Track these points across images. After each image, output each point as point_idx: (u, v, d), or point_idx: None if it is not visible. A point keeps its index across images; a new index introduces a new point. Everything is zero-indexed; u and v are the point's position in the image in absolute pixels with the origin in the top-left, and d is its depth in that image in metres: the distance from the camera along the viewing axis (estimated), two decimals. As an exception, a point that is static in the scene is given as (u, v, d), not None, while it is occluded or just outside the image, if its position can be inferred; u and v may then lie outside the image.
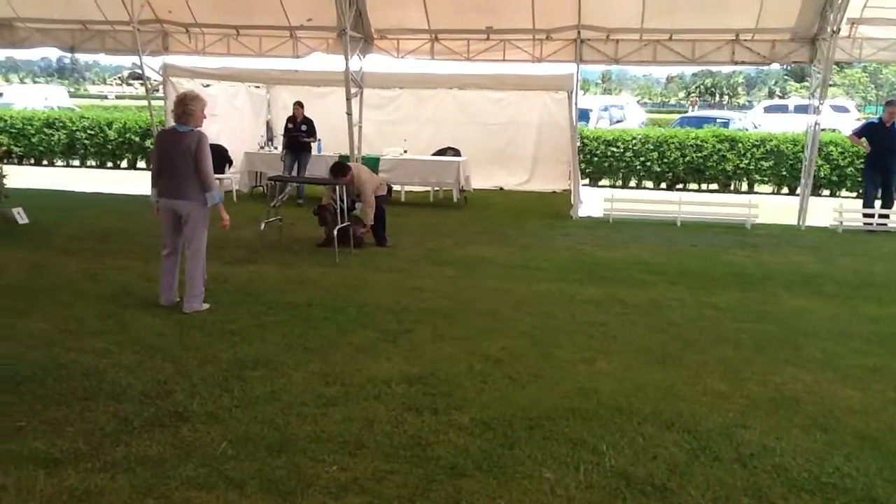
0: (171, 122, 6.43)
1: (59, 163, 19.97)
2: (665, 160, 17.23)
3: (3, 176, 9.66)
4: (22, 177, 13.83)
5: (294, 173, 12.77)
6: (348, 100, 11.54)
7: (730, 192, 17.01)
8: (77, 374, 4.85)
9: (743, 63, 11.96)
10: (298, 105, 13.30)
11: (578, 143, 13.56)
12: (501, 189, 15.62)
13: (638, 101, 45.44)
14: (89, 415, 4.27)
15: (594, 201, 13.17)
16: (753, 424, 4.34)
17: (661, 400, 4.67)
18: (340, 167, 9.24)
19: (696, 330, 6.18)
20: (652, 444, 4.06)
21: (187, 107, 6.22)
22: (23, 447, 3.86)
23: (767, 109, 32.60)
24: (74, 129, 19.40)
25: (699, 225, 11.62)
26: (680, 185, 17.42)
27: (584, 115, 19.62)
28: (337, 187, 8.75)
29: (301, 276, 7.73)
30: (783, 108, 31.61)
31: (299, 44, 12.88)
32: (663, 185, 17.58)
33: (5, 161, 12.39)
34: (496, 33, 12.11)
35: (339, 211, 8.75)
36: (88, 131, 19.34)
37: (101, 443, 3.94)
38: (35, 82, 70.91)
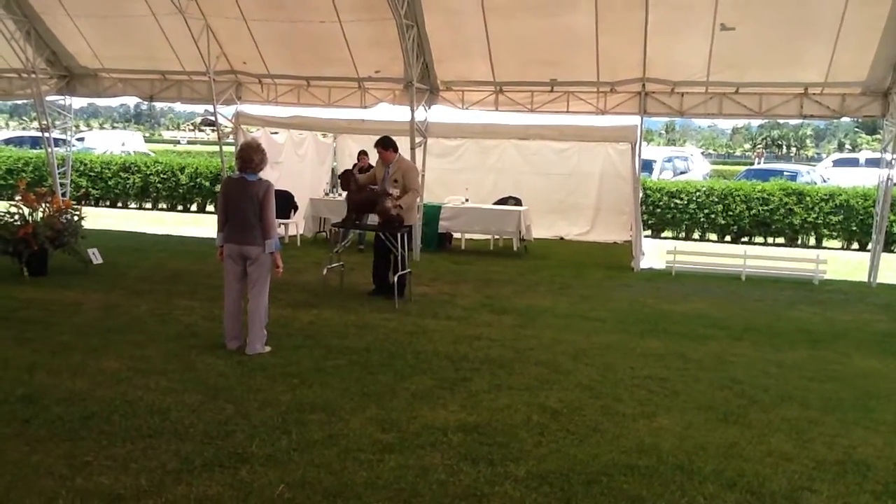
0: (237, 169, 6.64)
1: (133, 205, 20.72)
2: (730, 213, 16.99)
3: (82, 217, 10.05)
4: (98, 218, 14.40)
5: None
6: (412, 149, 11.74)
7: (797, 246, 16.63)
8: (142, 412, 4.98)
9: (812, 117, 11.78)
10: (363, 154, 13.58)
11: (641, 195, 13.48)
12: (562, 239, 15.60)
13: (702, 153, 44.97)
14: (153, 452, 4.37)
15: (656, 253, 13.04)
16: (820, 488, 4.20)
17: (723, 459, 4.55)
18: (388, 140, 9.18)
19: (761, 388, 6.03)
20: (713, 505, 3.96)
21: (253, 157, 6.43)
22: (89, 482, 3.97)
23: (837, 163, 31.86)
24: (148, 173, 20.17)
25: (765, 279, 11.37)
26: (745, 239, 17.12)
27: (647, 165, 19.53)
28: (394, 234, 8.82)
29: (361, 321, 7.81)
30: (853, 162, 30.84)
31: (367, 94, 13.21)
32: (728, 238, 17.30)
33: (83, 203, 12.94)
34: (560, 85, 12.22)
35: (397, 259, 8.82)
36: (161, 175, 20.07)
37: (162, 481, 4.02)
38: (114, 127, 74.02)
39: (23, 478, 3.99)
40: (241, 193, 6.41)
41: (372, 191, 9.01)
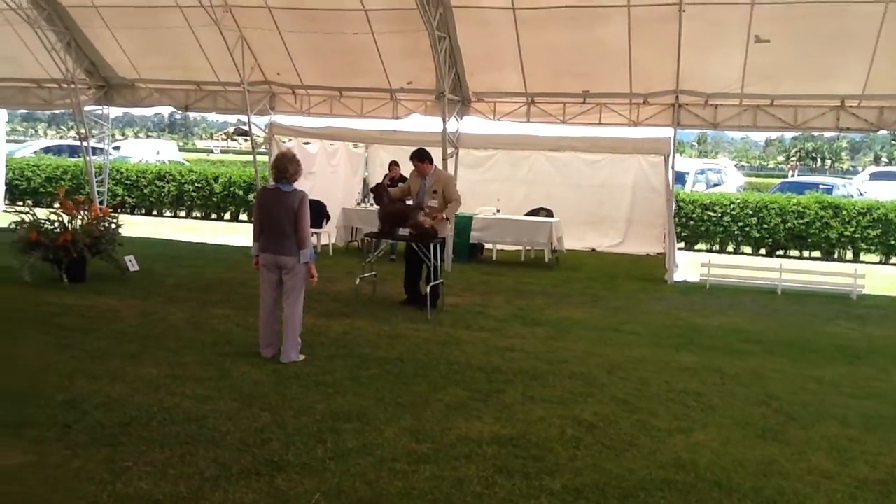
0: (272, 180, 6.71)
1: (168, 213, 20.98)
2: (765, 226, 16.78)
3: (120, 225, 10.20)
4: (134, 226, 14.60)
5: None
6: (444, 160, 11.77)
7: (833, 260, 16.37)
8: (180, 419, 5.03)
9: (848, 130, 11.62)
10: (394, 164, 13.66)
11: (674, 207, 13.37)
12: (594, 250, 15.52)
13: (735, 165, 44.53)
14: (190, 459, 4.41)
15: (690, 266, 12.92)
16: (863, 508, 4.13)
17: (762, 476, 4.49)
18: (424, 153, 9.23)
19: (799, 404, 5.94)
20: (753, 523, 3.91)
21: (288, 168, 6.49)
22: (129, 487, 4.02)
23: (874, 176, 31.36)
24: (183, 181, 20.42)
25: (801, 294, 11.21)
26: (780, 252, 16.90)
27: (680, 178, 19.36)
28: (427, 245, 8.84)
29: (393, 331, 7.83)
30: (891, 175, 30.33)
31: (399, 105, 13.28)
32: (762, 251, 17.09)
33: (120, 211, 13.15)
34: (592, 97, 12.19)
35: (430, 270, 8.84)
36: (196, 184, 20.31)
37: (200, 487, 4.06)
38: (148, 136, 75.13)
39: (64, 482, 4.06)
40: (277, 204, 6.47)
41: (404, 204, 9.08)
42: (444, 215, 9.11)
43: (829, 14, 10.16)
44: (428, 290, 8.75)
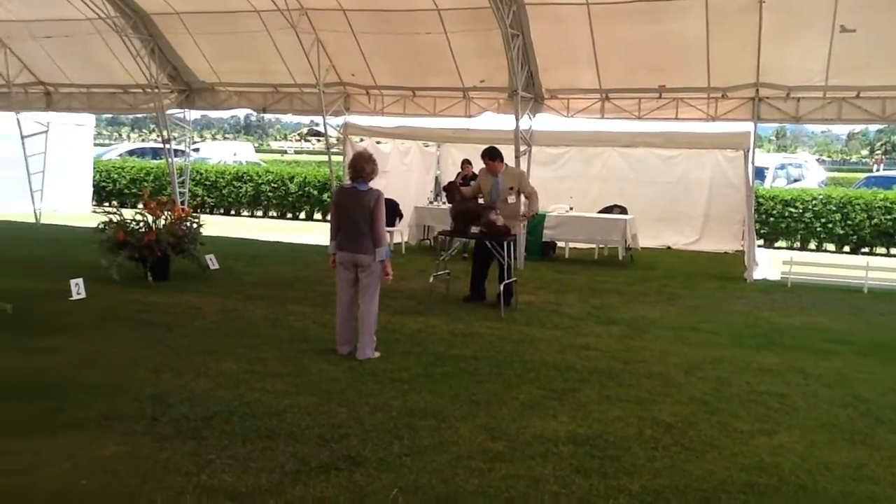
0: (348, 179, 6.80)
1: (245, 213, 21.51)
2: (849, 222, 16.18)
3: (201, 225, 10.51)
4: (213, 225, 15.01)
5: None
6: (517, 157, 11.73)
7: (923, 257, 15.68)
8: (260, 413, 5.15)
9: (941, 121, 11.10)
10: (467, 162, 13.69)
11: (754, 203, 13.00)
12: (669, 248, 15.25)
13: (816, 159, 43.02)
14: (271, 453, 4.51)
15: (770, 264, 12.56)
16: (961, 517, 3.94)
17: (850, 481, 4.34)
18: (495, 151, 9.28)
19: (889, 407, 5.71)
20: (841, 529, 3.78)
21: (365, 167, 6.58)
22: (213, 479, 4.15)
23: (966, 169, 29.90)
24: (260, 182, 20.90)
25: (889, 292, 10.76)
26: (865, 250, 16.26)
27: (759, 173, 18.81)
28: (500, 243, 8.83)
29: (467, 329, 7.85)
30: None
31: (471, 104, 13.28)
32: (846, 248, 16.48)
33: (200, 211, 13.56)
34: (669, 92, 11.95)
35: (503, 267, 8.83)
36: (272, 184, 20.77)
37: (281, 481, 4.15)
38: (225, 138, 77.07)
39: (153, 473, 4.21)
40: (353, 203, 6.57)
41: (477, 203, 9.11)
42: (530, 212, 9.31)
43: (918, 0, 9.76)
44: (501, 288, 8.75)
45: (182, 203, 14.61)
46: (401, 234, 14.05)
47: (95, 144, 24.43)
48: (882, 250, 16.26)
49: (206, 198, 20.88)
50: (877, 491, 4.22)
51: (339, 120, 14.25)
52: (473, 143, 14.49)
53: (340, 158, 14.28)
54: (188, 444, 4.59)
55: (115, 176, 22.07)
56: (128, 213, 10.37)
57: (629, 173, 15.56)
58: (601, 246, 13.92)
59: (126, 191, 21.76)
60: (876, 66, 10.58)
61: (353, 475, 4.24)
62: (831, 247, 16.68)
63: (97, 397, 5.37)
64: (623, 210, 14.05)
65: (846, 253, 16.22)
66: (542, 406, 5.49)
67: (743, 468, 4.47)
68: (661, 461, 4.55)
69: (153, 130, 66.07)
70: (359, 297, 6.70)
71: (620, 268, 12.76)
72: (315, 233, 16.46)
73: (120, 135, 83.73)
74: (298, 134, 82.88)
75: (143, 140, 61.56)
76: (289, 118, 76.66)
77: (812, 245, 16.87)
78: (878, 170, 46.25)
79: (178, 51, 14.51)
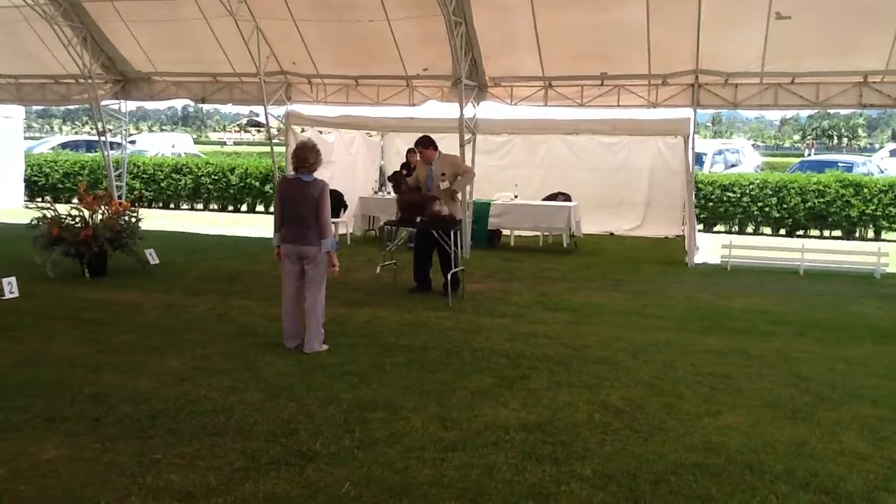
0: (292, 170, 6.69)
1: (185, 206, 21.07)
2: (785, 206, 16.61)
3: (140, 219, 10.25)
4: (152, 219, 14.65)
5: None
6: (462, 146, 11.72)
7: (854, 239, 16.20)
8: (207, 411, 5.05)
9: (872, 106, 11.40)
10: (412, 152, 13.56)
11: (694, 189, 13.25)
12: (612, 234, 15.44)
13: (752, 145, 44.07)
14: (219, 450, 4.42)
15: (710, 248, 12.82)
16: (899, 489, 4.07)
17: (794, 458, 4.45)
18: (428, 139, 9.29)
19: (828, 385, 5.87)
20: (787, 506, 3.87)
21: (309, 157, 6.47)
22: (159, 479, 4.04)
23: (894, 153, 31.01)
24: (200, 174, 20.47)
25: (824, 273, 11.10)
26: (800, 232, 16.73)
27: (698, 159, 19.20)
28: (447, 232, 8.83)
29: (416, 319, 7.82)
30: (912, 152, 29.97)
31: (415, 92, 13.21)
32: (782, 231, 16.93)
33: (138, 205, 13.18)
34: (611, 79, 12.06)
35: (450, 256, 8.82)
36: (212, 176, 20.36)
37: (230, 479, 4.07)
38: (162, 130, 75.44)
39: (96, 475, 4.08)
40: (298, 194, 6.46)
41: (422, 194, 9.06)
42: (455, 188, 9.16)
43: (851, -13, 10.02)
44: (448, 277, 8.73)
45: (119, 197, 14.24)
46: (346, 225, 13.92)
47: (25, 138, 23.57)
48: (816, 233, 16.74)
49: (144, 191, 20.36)
50: (818, 467, 4.33)
51: (281, 109, 14.03)
52: (418, 132, 14.43)
53: (283, 149, 14.07)
54: (132, 445, 4.47)
55: (48, 170, 21.37)
56: (62, 209, 10.05)
57: (572, 160, 15.71)
58: (546, 233, 14.02)
59: (60, 185, 21.10)
60: (810, 53, 10.84)
61: (305, 470, 4.18)
62: (768, 230, 17.11)
63: (35, 399, 5.19)
64: (567, 197, 14.17)
65: (782, 236, 16.66)
66: (493, 394, 5.50)
67: (691, 449, 4.55)
68: (612, 445, 4.60)
69: (87, 123, 64.39)
70: (305, 289, 6.60)
71: (565, 254, 12.88)
72: (258, 225, 16.22)
73: (51, 127, 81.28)
74: (238, 125, 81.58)
75: (76, 133, 59.89)
76: (228, 109, 75.25)
77: (749, 229, 17.28)
78: (809, 154, 47.70)
79: (112, 39, 14.08)
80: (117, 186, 15.02)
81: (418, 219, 8.88)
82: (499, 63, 12.36)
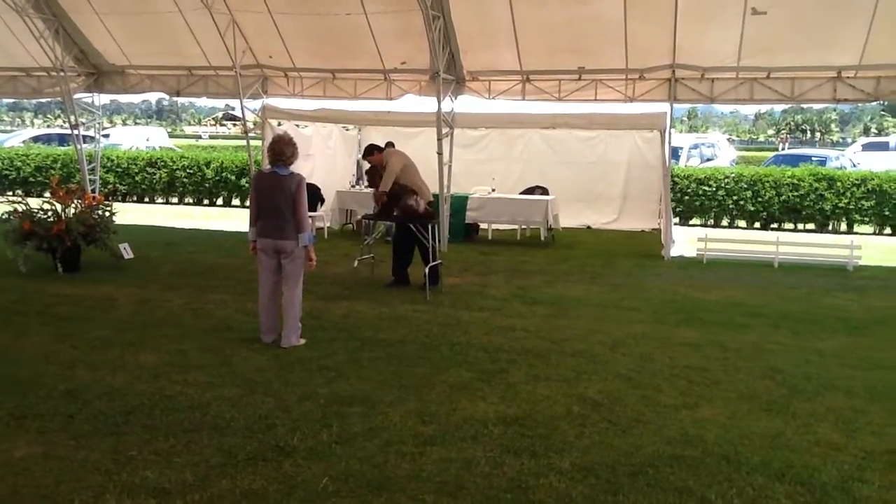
0: (268, 164, 6.63)
1: (160, 200, 20.85)
2: (759, 199, 16.76)
3: (114, 213, 10.12)
4: (126, 213, 14.49)
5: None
6: (439, 140, 11.70)
7: (827, 232, 16.40)
8: (183, 407, 5.00)
9: (845, 101, 11.53)
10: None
11: (670, 182, 13.33)
12: (589, 228, 15.50)
13: (727, 139, 44.44)
14: (195, 446, 4.38)
15: (686, 241, 12.91)
16: (872, 479, 4.12)
17: (769, 449, 4.49)
18: (368, 148, 9.37)
19: (803, 377, 5.93)
20: (763, 496, 3.91)
21: (285, 151, 6.42)
22: (135, 476, 3.99)
23: (866, 147, 31.35)
24: (175, 168, 20.26)
25: (798, 266, 11.20)
26: (774, 225, 16.90)
27: (674, 153, 19.33)
28: (425, 226, 8.81)
29: (394, 313, 7.80)
30: (883, 146, 30.31)
31: (393, 86, 13.16)
32: (757, 224, 17.09)
33: (112, 198, 13.01)
34: (588, 73, 12.10)
35: (427, 251, 8.80)
36: (188, 170, 20.16)
37: (207, 475, 4.03)
38: (136, 123, 74.61)
39: (70, 472, 4.02)
40: (274, 188, 6.41)
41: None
42: (382, 190, 9.01)
43: (826, -17, 10.13)
44: (427, 270, 8.72)
45: (93, 191, 14.05)
46: (323, 219, 13.85)
47: (-3, 131, 23.20)
48: (790, 226, 16.92)
49: (118, 185, 20.13)
50: (794, 458, 4.37)
51: (257, 103, 13.93)
52: (396, 126, 14.45)
53: (259, 143, 13.97)
54: (107, 442, 4.41)
55: (19, 164, 21.03)
56: (34, 203, 9.90)
57: (550, 154, 15.74)
58: (523, 227, 14.04)
59: (31, 179, 20.78)
60: (785, 48, 10.94)
61: (282, 465, 4.15)
62: (743, 223, 17.26)
63: (6, 395, 5.10)
64: (545, 191, 14.19)
65: (757, 229, 16.82)
66: (472, 388, 5.50)
67: (669, 441, 4.57)
68: (590, 438, 4.62)
69: (59, 116, 63.52)
70: (282, 284, 6.55)
71: (543, 248, 12.91)
72: (233, 219, 16.10)
73: (22, 120, 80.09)
74: (213, 118, 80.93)
75: (48, 126, 59.00)
76: (203, 102, 74.63)
77: (725, 222, 17.42)
78: (783, 148, 48.13)
79: (84, 32, 13.89)
80: (90, 180, 14.82)
81: (395, 212, 8.85)
82: (477, 57, 12.34)
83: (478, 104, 13.09)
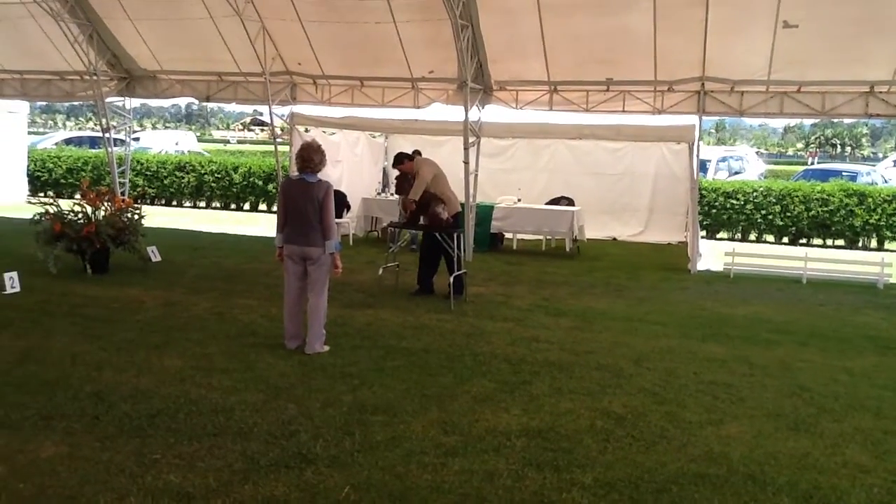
0: (296, 170, 6.67)
1: (187, 204, 21.06)
2: (788, 214, 16.60)
3: (142, 216, 10.23)
4: (154, 217, 14.65)
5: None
6: (466, 149, 11.71)
7: (857, 248, 16.18)
8: (207, 411, 5.02)
9: (878, 116, 11.39)
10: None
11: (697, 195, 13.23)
12: (615, 239, 15.43)
13: (756, 152, 44.06)
14: (218, 451, 4.40)
15: (712, 255, 12.79)
16: (902, 503, 4.05)
17: (796, 470, 4.42)
18: (398, 156, 9.27)
19: (831, 396, 5.84)
20: (789, 518, 3.85)
21: (314, 158, 6.45)
22: (158, 480, 4.02)
23: (898, 162, 30.99)
24: (203, 172, 20.47)
25: (827, 283, 11.06)
26: (803, 241, 16.71)
27: (701, 166, 19.18)
28: (450, 235, 8.81)
29: (418, 322, 7.80)
30: (916, 162, 29.94)
31: (420, 95, 13.19)
32: (785, 239, 16.92)
33: (141, 201, 13.19)
34: (616, 85, 12.05)
35: (453, 259, 8.80)
36: (216, 175, 20.36)
37: (230, 480, 4.05)
38: (165, 127, 75.47)
39: (95, 474, 4.06)
40: (302, 194, 6.44)
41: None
42: (411, 198, 8.96)
43: (858, -3, 10.01)
44: (451, 280, 8.71)
45: (122, 194, 14.23)
46: (349, 225, 13.91)
47: (29, 133, 23.55)
48: (819, 241, 16.71)
49: (147, 188, 20.37)
50: (821, 479, 4.30)
51: (285, 109, 14.02)
52: (422, 134, 14.49)
53: (287, 149, 14.06)
54: (132, 444, 4.45)
55: (51, 165, 21.38)
56: (65, 204, 10.03)
57: (576, 165, 15.72)
58: (549, 237, 14.00)
59: (63, 181, 21.10)
60: (816, 62, 10.83)
61: (304, 473, 4.16)
62: (771, 238, 17.09)
63: (34, 396, 5.16)
64: (570, 201, 14.16)
65: (785, 244, 16.64)
66: (495, 399, 5.48)
67: (693, 459, 4.52)
68: (613, 453, 4.58)
69: (90, 119, 64.39)
70: (308, 290, 6.58)
71: (567, 259, 12.86)
72: (260, 224, 16.22)
73: (55, 123, 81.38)
74: (241, 123, 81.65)
75: (79, 128, 59.91)
76: (231, 107, 75.30)
77: (752, 236, 17.25)
78: (812, 163, 47.63)
79: (118, 37, 14.09)
80: (120, 183, 15.00)
81: (421, 220, 8.86)
82: (504, 67, 12.35)
83: (505, 114, 13.09)
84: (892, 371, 6.64)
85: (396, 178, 10.04)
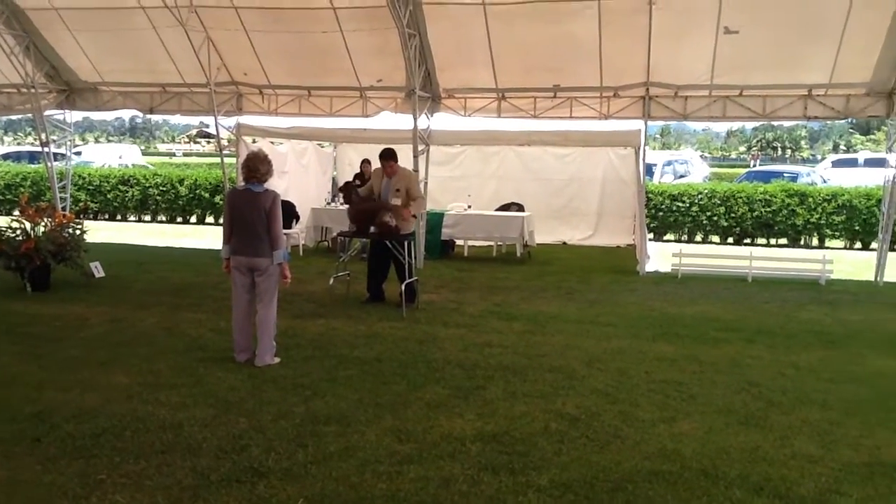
0: (242, 181, 6.57)
1: (132, 218, 20.64)
2: (732, 215, 16.95)
3: (85, 231, 9.97)
4: (98, 231, 14.32)
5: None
6: (415, 157, 11.69)
7: (799, 246, 16.60)
8: (154, 428, 4.89)
9: (816, 118, 11.72)
10: (366, 162, 13.52)
11: (644, 198, 13.42)
12: (565, 244, 15.57)
13: (700, 156, 44.92)
14: (167, 469, 4.29)
15: (660, 256, 12.98)
16: (849, 491, 4.14)
17: (747, 463, 4.49)
18: (393, 152, 9.14)
19: (779, 390, 5.96)
20: (742, 512, 3.89)
21: (260, 168, 6.36)
22: (104, 500, 3.90)
23: (836, 163, 31.88)
24: (147, 185, 20.08)
25: (771, 281, 11.31)
26: (747, 241, 17.08)
27: (648, 170, 19.50)
28: (401, 243, 8.78)
29: (370, 330, 7.74)
30: (853, 162, 30.85)
31: (369, 103, 13.13)
32: (730, 239, 17.27)
33: (83, 216, 12.84)
34: (563, 91, 12.15)
35: (404, 267, 8.76)
36: (161, 188, 19.99)
37: (179, 498, 3.95)
38: (109, 141, 73.94)
39: (37, 498, 3.92)
40: (248, 204, 6.34)
41: (374, 202, 8.96)
42: (412, 212, 9.06)
43: (797, 4, 10.29)
44: (403, 287, 8.67)
45: (64, 209, 13.85)
46: (298, 236, 13.77)
47: (-35, 148, 22.88)
48: (763, 241, 17.10)
49: (89, 203, 19.90)
50: (771, 471, 4.38)
51: (232, 120, 13.83)
52: (371, 143, 14.39)
53: (233, 160, 13.87)
54: (75, 465, 4.30)
55: (-11, 181, 20.76)
56: (2, 221, 9.73)
57: (524, 172, 15.84)
58: (499, 243, 14.05)
59: (1, 197, 20.50)
60: (757, 66, 11.08)
61: (256, 487, 4.07)
62: (716, 238, 17.44)
63: (-28, 418, 4.98)
64: (520, 207, 14.23)
65: (730, 244, 16.98)
66: (449, 405, 5.45)
67: (647, 457, 4.55)
68: (568, 454, 4.58)
69: (30, 133, 62.71)
70: (256, 302, 6.48)
71: (518, 264, 12.91)
72: (207, 237, 15.97)
73: (-8, 138, 79.04)
74: (187, 136, 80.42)
75: (18, 143, 58.33)
76: (177, 119, 74.05)
77: (698, 237, 17.58)
78: (754, 165, 48.76)
79: (56, 49, 13.72)
80: (61, 198, 14.61)
81: (371, 229, 8.80)
82: (453, 75, 12.37)
83: (453, 121, 13.09)
84: (836, 364, 6.80)
85: (341, 188, 9.93)
